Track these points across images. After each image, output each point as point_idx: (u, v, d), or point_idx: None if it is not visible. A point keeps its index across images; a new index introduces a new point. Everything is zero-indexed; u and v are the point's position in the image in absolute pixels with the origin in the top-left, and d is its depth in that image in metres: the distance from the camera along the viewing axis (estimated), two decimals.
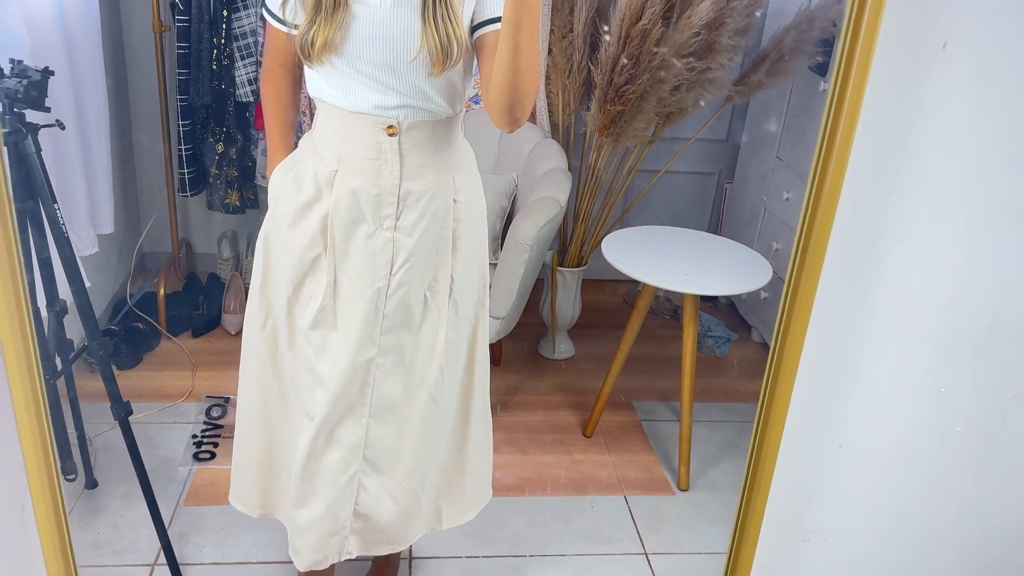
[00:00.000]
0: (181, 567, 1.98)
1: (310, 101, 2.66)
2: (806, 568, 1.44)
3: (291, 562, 2.06)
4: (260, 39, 2.73)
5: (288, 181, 1.56)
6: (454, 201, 1.55)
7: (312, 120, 1.73)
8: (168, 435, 2.45)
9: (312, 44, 1.40)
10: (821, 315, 1.19)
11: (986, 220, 1.22)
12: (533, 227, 2.32)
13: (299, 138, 1.66)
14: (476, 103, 2.88)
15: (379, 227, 1.51)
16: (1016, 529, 1.44)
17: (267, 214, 1.62)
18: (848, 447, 1.31)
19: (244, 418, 1.75)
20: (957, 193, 1.20)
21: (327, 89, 1.47)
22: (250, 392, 1.72)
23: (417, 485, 1.70)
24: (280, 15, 1.49)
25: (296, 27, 1.44)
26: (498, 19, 1.37)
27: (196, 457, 2.36)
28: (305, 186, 1.53)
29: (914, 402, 1.34)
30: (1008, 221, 1.23)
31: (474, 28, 1.42)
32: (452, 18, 1.36)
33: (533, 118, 2.84)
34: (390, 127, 1.45)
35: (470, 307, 1.65)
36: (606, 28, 2.48)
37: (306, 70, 1.50)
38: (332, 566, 1.83)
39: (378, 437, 1.63)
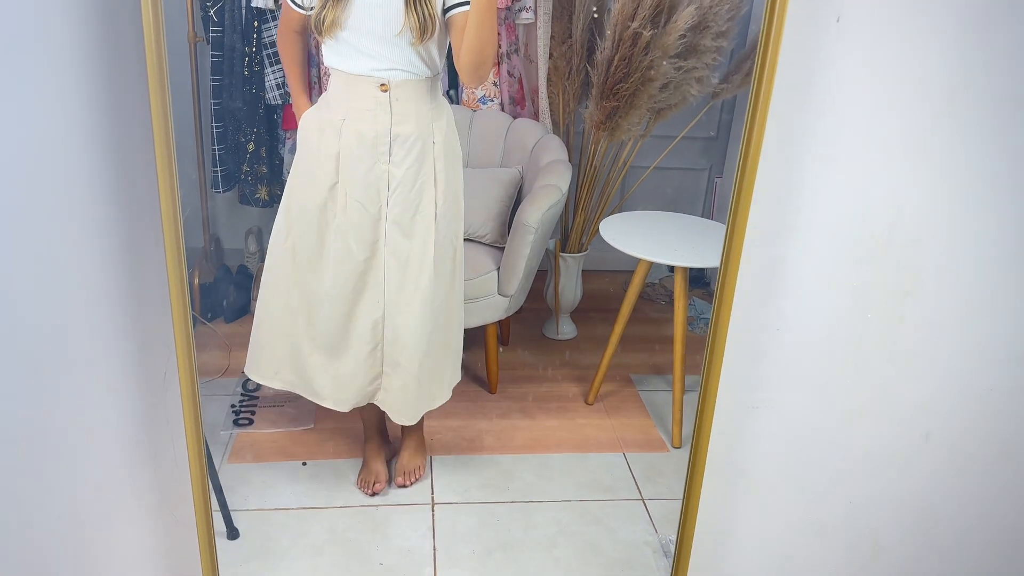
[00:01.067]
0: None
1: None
2: (753, 433, 1.73)
3: (326, 507, 2.32)
4: None
5: (312, 127, 1.99)
6: (433, 143, 1.96)
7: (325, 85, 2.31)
8: (209, 405, 2.70)
9: (323, 22, 1.82)
10: (756, 223, 1.51)
11: (882, 153, 1.54)
12: (537, 211, 2.57)
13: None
14: (484, 104, 3.13)
15: (376, 161, 1.93)
16: (918, 403, 1.74)
17: (296, 153, 2.03)
18: (784, 330, 1.62)
19: (265, 306, 2.18)
20: (859, 134, 1.52)
21: (335, 57, 1.90)
22: (273, 285, 2.15)
23: (418, 372, 2.09)
24: (299, 1, 1.94)
25: (311, 9, 1.88)
26: (465, 2, 1.80)
27: (236, 423, 2.61)
28: (323, 131, 1.95)
29: (833, 294, 1.64)
30: (898, 154, 1.55)
31: (446, 10, 1.84)
32: (428, 2, 1.80)
33: (536, 116, 3.10)
34: (382, 84, 1.87)
35: (452, 229, 2.06)
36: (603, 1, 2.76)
37: (322, 45, 1.92)
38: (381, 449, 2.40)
39: (392, 329, 2.05)
